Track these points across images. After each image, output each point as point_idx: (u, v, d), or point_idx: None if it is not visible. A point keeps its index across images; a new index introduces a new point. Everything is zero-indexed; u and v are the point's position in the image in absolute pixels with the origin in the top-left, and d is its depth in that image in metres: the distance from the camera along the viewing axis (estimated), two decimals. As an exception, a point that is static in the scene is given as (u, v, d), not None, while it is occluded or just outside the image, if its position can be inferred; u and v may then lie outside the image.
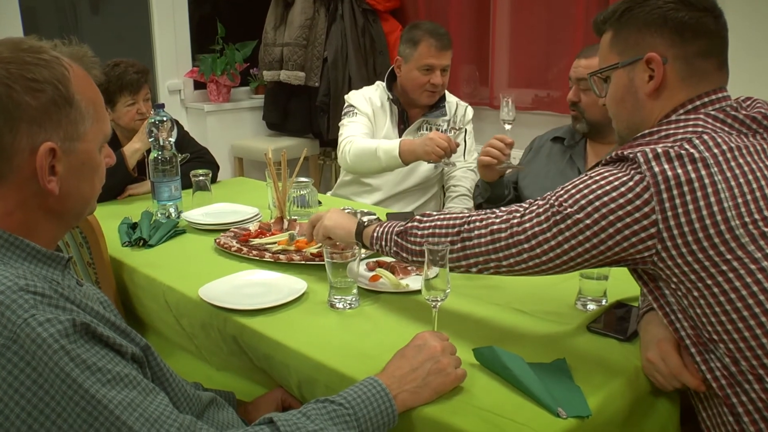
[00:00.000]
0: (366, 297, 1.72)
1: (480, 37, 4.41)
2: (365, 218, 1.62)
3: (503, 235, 1.35)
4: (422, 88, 2.92)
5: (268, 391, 1.62)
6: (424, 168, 3.01)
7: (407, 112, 3.02)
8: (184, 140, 2.90)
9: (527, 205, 1.36)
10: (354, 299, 1.67)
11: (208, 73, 4.84)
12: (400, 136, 2.96)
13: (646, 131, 1.32)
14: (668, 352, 1.31)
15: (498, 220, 1.37)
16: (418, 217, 1.52)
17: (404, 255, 1.53)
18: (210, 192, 2.50)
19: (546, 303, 1.65)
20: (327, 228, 1.69)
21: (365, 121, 2.95)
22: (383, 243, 1.57)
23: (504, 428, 1.17)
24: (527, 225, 1.32)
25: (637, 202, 1.21)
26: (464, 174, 3.03)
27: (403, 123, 3.03)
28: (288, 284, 1.77)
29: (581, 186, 1.28)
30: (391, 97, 3.01)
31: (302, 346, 1.48)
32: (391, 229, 1.56)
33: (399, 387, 1.22)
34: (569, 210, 1.27)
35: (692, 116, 1.30)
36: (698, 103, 1.32)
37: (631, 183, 1.22)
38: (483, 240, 1.37)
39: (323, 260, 1.67)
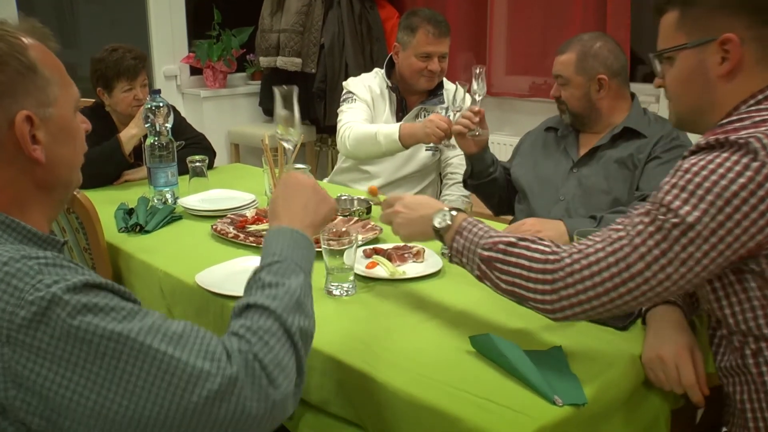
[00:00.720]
0: (363, 284, 1.72)
1: (477, 24, 4.40)
2: (437, 222, 1.44)
3: (614, 269, 1.18)
4: (420, 73, 2.91)
5: None
6: (422, 155, 3.01)
7: (406, 99, 3.01)
8: (181, 126, 2.89)
9: (627, 228, 1.20)
10: (351, 286, 1.67)
11: (205, 58, 4.82)
12: None
13: (734, 117, 1.25)
14: (685, 362, 1.30)
15: (603, 254, 1.19)
16: (501, 245, 1.31)
17: (488, 284, 1.36)
18: (206, 178, 2.50)
19: (542, 291, 1.65)
20: (399, 231, 1.56)
21: (364, 108, 2.94)
22: (464, 261, 1.39)
23: (500, 415, 1.18)
24: (643, 250, 1.16)
25: (761, 193, 1.10)
26: (461, 161, 3.02)
27: (401, 111, 3.02)
28: (285, 271, 1.77)
29: (691, 187, 1.14)
30: (389, 84, 3.00)
31: (299, 333, 1.47)
32: (473, 248, 1.36)
33: (301, 224, 1.29)
34: (690, 218, 1.12)
35: None
36: None
37: (749, 173, 1.11)
38: (590, 283, 1.20)
39: (320, 247, 1.66)
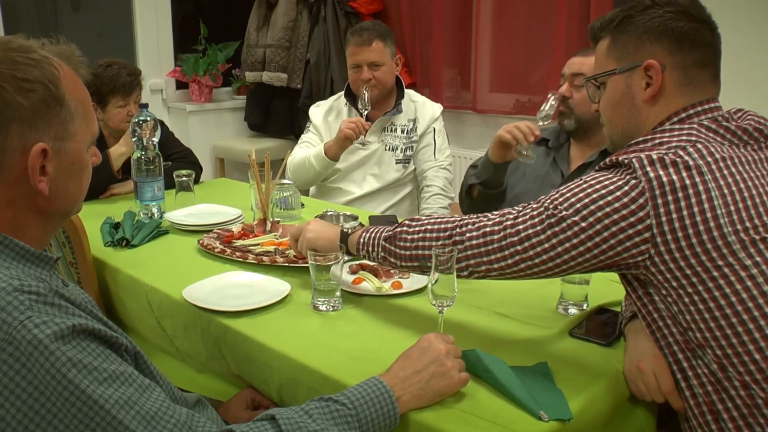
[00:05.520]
0: (349, 299, 1.73)
1: (463, 42, 4.43)
2: (348, 225, 1.64)
3: (496, 237, 1.34)
4: (356, 84, 2.99)
5: (237, 392, 1.62)
6: (392, 168, 3.05)
7: (368, 115, 3.03)
8: (168, 141, 2.89)
9: (520, 208, 1.36)
10: (337, 301, 1.68)
11: (191, 73, 4.83)
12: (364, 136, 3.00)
13: (641, 138, 1.33)
14: (663, 369, 1.32)
15: (490, 223, 1.36)
16: (407, 221, 1.51)
17: (392, 260, 1.52)
18: (193, 193, 2.50)
19: (527, 307, 1.67)
20: (310, 240, 1.68)
21: (314, 138, 3.08)
22: (370, 249, 1.55)
23: (486, 430, 1.18)
24: (521, 227, 1.32)
25: (632, 207, 1.22)
26: (435, 173, 3.05)
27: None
28: (272, 286, 1.78)
29: (577, 190, 1.29)
30: (346, 102, 3.08)
31: (285, 348, 1.48)
32: (378, 234, 1.54)
33: (402, 389, 1.22)
34: (564, 213, 1.27)
35: (686, 125, 1.31)
36: (692, 111, 1.34)
37: (626, 188, 1.23)
38: (474, 242, 1.37)
39: (306, 263, 1.67)
